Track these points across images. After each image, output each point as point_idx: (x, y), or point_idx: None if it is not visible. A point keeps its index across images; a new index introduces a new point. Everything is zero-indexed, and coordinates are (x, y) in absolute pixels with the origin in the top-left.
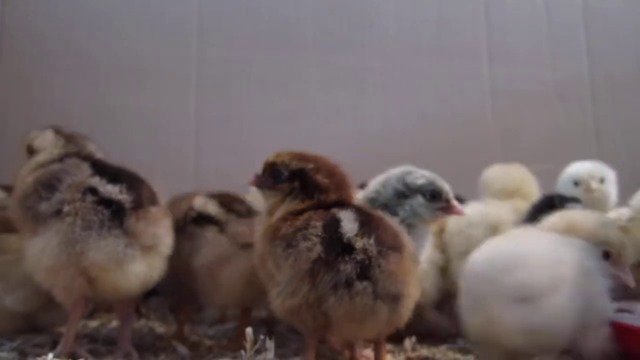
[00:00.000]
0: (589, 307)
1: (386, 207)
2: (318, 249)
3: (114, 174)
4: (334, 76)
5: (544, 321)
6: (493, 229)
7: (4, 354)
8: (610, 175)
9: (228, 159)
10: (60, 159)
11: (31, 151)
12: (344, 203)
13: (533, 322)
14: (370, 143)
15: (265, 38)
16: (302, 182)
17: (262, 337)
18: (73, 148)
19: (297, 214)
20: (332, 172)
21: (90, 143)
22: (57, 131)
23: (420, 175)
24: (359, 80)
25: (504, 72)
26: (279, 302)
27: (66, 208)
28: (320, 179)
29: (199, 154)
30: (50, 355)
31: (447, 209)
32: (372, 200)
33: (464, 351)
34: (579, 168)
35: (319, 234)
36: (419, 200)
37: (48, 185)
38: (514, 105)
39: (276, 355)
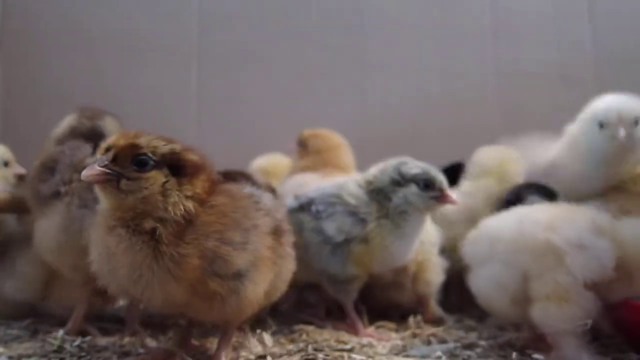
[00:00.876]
0: None
1: (381, 191)
2: None
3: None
4: (336, 57)
5: None
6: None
7: (14, 331)
8: None
9: (230, 140)
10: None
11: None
12: None
13: None
14: (372, 124)
15: (267, 18)
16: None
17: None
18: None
19: None
20: None
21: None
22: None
23: (415, 166)
24: (362, 61)
25: (508, 53)
26: None
27: (63, 188)
28: None
29: (201, 134)
30: (61, 332)
31: (441, 198)
32: (368, 183)
33: (468, 328)
34: (608, 105)
35: None
36: (413, 189)
37: (49, 167)
38: (517, 87)
39: None
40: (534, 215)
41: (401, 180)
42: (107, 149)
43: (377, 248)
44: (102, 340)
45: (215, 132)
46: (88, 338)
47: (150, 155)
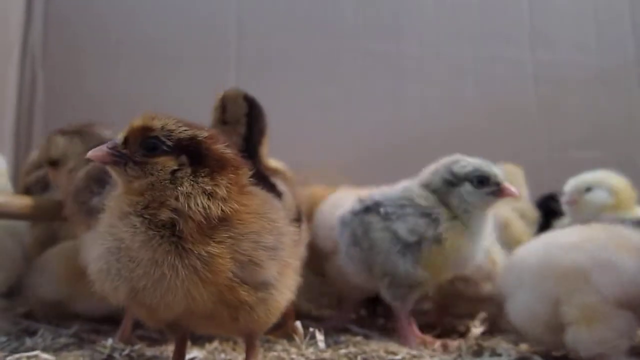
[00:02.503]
0: None
1: (438, 193)
2: None
3: None
4: (372, 63)
5: None
6: None
7: (62, 339)
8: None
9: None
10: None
11: (53, 163)
12: None
13: None
14: (408, 131)
15: (303, 25)
16: None
17: (311, 329)
18: (92, 140)
19: None
20: None
21: (103, 127)
22: (63, 132)
23: (467, 163)
24: (398, 67)
25: (548, 58)
26: None
27: None
28: None
29: None
30: (110, 341)
31: (499, 192)
32: (426, 186)
33: (519, 339)
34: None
35: None
36: (467, 187)
37: (99, 179)
38: (558, 93)
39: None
40: (560, 239)
41: (454, 180)
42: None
43: (450, 249)
44: (150, 350)
45: None
46: (137, 347)
47: (163, 139)
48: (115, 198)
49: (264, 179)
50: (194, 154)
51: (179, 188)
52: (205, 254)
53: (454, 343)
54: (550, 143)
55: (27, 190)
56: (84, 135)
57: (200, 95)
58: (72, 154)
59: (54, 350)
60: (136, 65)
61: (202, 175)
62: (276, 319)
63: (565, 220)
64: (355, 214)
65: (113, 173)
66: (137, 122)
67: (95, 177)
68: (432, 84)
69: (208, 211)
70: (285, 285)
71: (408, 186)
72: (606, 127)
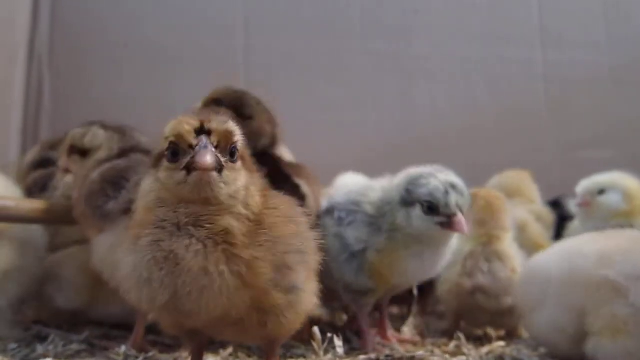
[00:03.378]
0: None
1: (389, 206)
2: None
3: None
4: (380, 64)
5: None
6: None
7: (74, 346)
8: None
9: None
10: (121, 154)
11: (82, 151)
12: None
13: None
14: (418, 133)
15: (311, 26)
16: None
17: (329, 335)
18: (129, 141)
19: None
20: None
21: (139, 134)
22: (105, 126)
23: (426, 183)
24: (406, 67)
25: (557, 57)
26: None
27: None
28: None
29: None
30: (124, 348)
31: (447, 225)
32: (386, 192)
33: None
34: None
35: None
36: (417, 211)
37: (115, 183)
38: (568, 92)
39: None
40: (584, 249)
41: (408, 199)
42: (207, 132)
43: (390, 260)
44: (163, 356)
45: None
46: (151, 354)
47: (238, 145)
48: (162, 208)
49: (286, 179)
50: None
51: (250, 193)
52: (249, 258)
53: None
54: (560, 143)
55: (28, 193)
56: (123, 134)
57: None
58: (105, 149)
59: (66, 357)
60: (143, 67)
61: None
62: (301, 324)
63: (575, 223)
64: (320, 215)
65: (205, 182)
66: (218, 125)
67: (111, 180)
68: (440, 84)
69: (254, 215)
70: (311, 289)
71: (366, 187)
72: (617, 126)
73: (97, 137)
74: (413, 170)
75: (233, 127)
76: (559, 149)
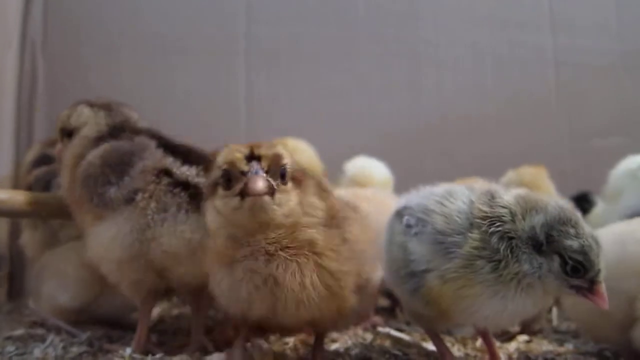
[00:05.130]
0: None
1: (510, 241)
2: None
3: (185, 154)
4: (387, 50)
5: None
6: None
7: (75, 349)
8: None
9: (279, 138)
10: (112, 131)
11: (69, 132)
12: None
13: None
14: (426, 120)
15: (315, 12)
16: None
17: None
18: (117, 117)
19: None
20: None
21: (130, 109)
22: (91, 104)
23: (577, 235)
24: (414, 52)
25: (568, 43)
26: None
27: (140, 194)
28: None
29: (250, 134)
30: (128, 351)
31: (586, 292)
32: (494, 220)
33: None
34: None
35: None
36: (555, 265)
37: (118, 168)
38: (578, 77)
39: None
40: (636, 233)
41: (544, 244)
42: (257, 158)
43: (457, 293)
44: (170, 357)
45: (263, 132)
46: (158, 355)
47: (288, 167)
48: (240, 235)
49: None
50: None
51: (306, 209)
52: (337, 271)
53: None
54: (571, 130)
55: (30, 191)
56: (111, 111)
57: (207, 87)
58: (92, 125)
59: None
60: (140, 54)
61: (306, 193)
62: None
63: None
64: (393, 214)
65: (259, 206)
66: (268, 150)
67: (113, 164)
68: (449, 70)
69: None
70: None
71: (445, 192)
72: (628, 113)
73: (81, 114)
74: (553, 208)
75: (281, 150)
76: (569, 135)
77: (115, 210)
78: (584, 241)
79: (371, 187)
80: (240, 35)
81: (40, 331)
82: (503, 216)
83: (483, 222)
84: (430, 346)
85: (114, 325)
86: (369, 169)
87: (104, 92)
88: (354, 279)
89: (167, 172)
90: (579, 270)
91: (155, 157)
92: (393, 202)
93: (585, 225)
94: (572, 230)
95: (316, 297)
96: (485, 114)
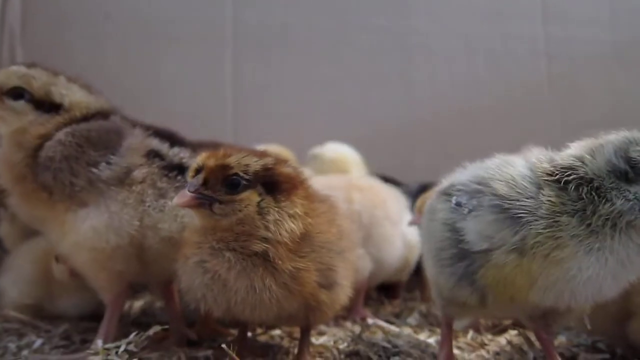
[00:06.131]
0: None
1: (591, 183)
2: None
3: (169, 137)
4: (379, 40)
5: None
6: None
7: (49, 345)
8: None
9: (266, 128)
10: (94, 115)
11: (40, 102)
12: None
13: None
14: (418, 111)
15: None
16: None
17: None
18: (103, 103)
19: None
20: None
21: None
22: (25, 64)
23: None
24: (406, 43)
25: (560, 33)
26: None
27: (137, 173)
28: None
29: (236, 123)
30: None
31: None
32: (565, 169)
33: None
34: None
35: None
36: None
37: (102, 146)
38: (570, 68)
39: None
40: None
41: (629, 171)
42: (198, 170)
43: (544, 262)
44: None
45: (251, 121)
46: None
47: (242, 174)
48: (198, 232)
49: None
50: (268, 182)
51: (268, 217)
52: (293, 270)
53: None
54: (564, 122)
55: None
56: (43, 67)
57: (194, 75)
58: (32, 82)
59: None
60: (126, 41)
61: (282, 200)
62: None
63: None
64: (435, 196)
65: (197, 214)
66: (211, 160)
67: (95, 142)
68: (441, 61)
69: (294, 232)
70: (348, 282)
71: (501, 163)
72: (623, 103)
73: (71, 90)
74: (615, 138)
75: (231, 161)
76: (561, 126)
77: (103, 195)
78: None
79: (351, 170)
80: (228, 21)
81: (16, 325)
82: (573, 164)
83: (553, 177)
84: (420, 337)
85: (93, 319)
86: (348, 153)
87: (88, 81)
88: (317, 274)
89: (157, 154)
90: None
91: (138, 136)
92: (388, 193)
93: None
94: None
95: (272, 299)
96: (478, 105)
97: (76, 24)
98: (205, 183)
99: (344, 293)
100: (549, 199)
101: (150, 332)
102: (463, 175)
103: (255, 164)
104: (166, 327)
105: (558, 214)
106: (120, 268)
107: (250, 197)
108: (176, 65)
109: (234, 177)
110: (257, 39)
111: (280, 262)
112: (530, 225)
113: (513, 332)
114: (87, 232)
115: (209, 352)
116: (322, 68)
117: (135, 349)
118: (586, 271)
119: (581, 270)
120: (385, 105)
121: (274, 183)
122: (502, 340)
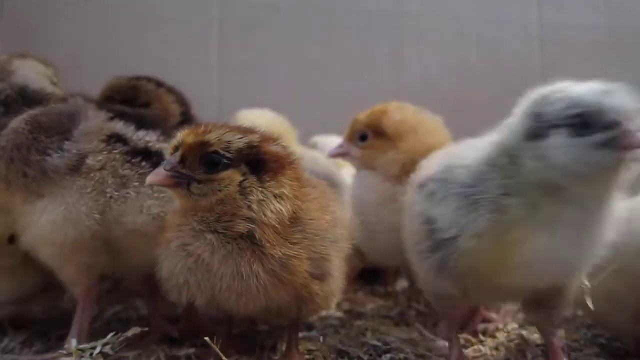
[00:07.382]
0: None
1: (508, 154)
2: None
3: (137, 118)
4: (367, 22)
5: None
6: None
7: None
8: None
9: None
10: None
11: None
12: None
13: None
14: (407, 95)
15: None
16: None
17: None
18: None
19: None
20: None
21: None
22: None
23: (565, 94)
24: (395, 26)
25: (554, 18)
26: None
27: (93, 160)
28: None
29: (222, 106)
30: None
31: (619, 140)
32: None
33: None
34: None
35: None
36: (559, 138)
37: (56, 131)
38: (564, 54)
39: None
40: None
41: (538, 127)
42: (176, 147)
43: (500, 243)
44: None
45: (237, 104)
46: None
47: (222, 152)
48: (179, 214)
49: None
50: (253, 160)
51: (250, 197)
52: (283, 256)
53: None
54: None
55: None
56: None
57: (179, 56)
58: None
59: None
60: (109, 23)
61: (267, 179)
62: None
63: None
64: (413, 189)
65: (175, 194)
66: (190, 137)
67: (47, 127)
68: (432, 45)
69: (281, 214)
70: (340, 273)
71: (464, 147)
72: None
73: (33, 68)
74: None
75: (208, 137)
76: None
77: (58, 184)
78: (575, 95)
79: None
80: (215, 1)
81: None
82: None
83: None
84: (411, 334)
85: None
86: (280, 120)
87: (70, 67)
88: (310, 263)
89: (119, 138)
90: (589, 122)
91: (99, 118)
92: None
93: (584, 85)
94: (559, 95)
95: (259, 286)
96: (469, 90)
97: (57, 4)
98: (182, 161)
99: (337, 285)
100: (494, 181)
101: (129, 333)
102: (434, 167)
103: (238, 141)
104: (146, 329)
105: (503, 196)
106: (87, 261)
107: (232, 177)
108: (161, 46)
109: (214, 154)
110: (244, 19)
111: (268, 244)
112: (482, 210)
113: (511, 327)
114: (45, 226)
115: (191, 351)
116: (310, 50)
117: (110, 352)
118: (540, 245)
119: (535, 246)
120: (375, 89)
121: (260, 162)
122: (501, 335)
